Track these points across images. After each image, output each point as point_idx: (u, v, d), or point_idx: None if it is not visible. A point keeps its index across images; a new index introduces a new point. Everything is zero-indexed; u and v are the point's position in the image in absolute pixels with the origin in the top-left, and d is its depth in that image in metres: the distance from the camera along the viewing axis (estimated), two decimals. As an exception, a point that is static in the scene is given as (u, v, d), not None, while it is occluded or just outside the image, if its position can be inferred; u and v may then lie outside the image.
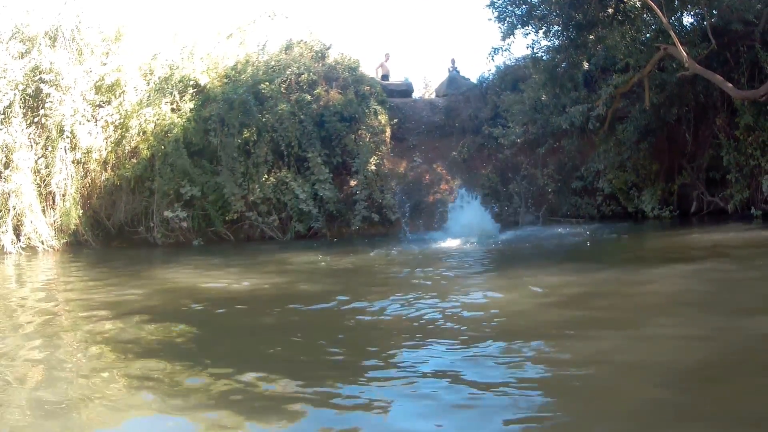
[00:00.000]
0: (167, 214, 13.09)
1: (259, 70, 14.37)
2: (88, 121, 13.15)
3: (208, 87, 13.85)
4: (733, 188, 12.14)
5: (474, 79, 18.01)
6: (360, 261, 9.10)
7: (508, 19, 12.71)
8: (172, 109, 13.53)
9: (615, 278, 6.78)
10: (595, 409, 3.09)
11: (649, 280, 6.49)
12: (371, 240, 12.16)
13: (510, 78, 16.06)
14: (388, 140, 14.81)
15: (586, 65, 14.10)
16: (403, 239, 11.98)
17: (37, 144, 13.00)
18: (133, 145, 13.32)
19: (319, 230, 13.35)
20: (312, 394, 3.39)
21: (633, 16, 11.98)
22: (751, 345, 3.97)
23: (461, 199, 13.53)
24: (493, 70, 16.77)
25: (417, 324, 4.86)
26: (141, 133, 13.29)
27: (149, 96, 13.45)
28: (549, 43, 13.27)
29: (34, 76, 12.98)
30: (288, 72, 14.42)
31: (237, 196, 13.05)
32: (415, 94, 19.73)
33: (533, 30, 12.87)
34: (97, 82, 13.33)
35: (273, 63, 14.79)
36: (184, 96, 13.74)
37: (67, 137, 12.89)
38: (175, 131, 13.12)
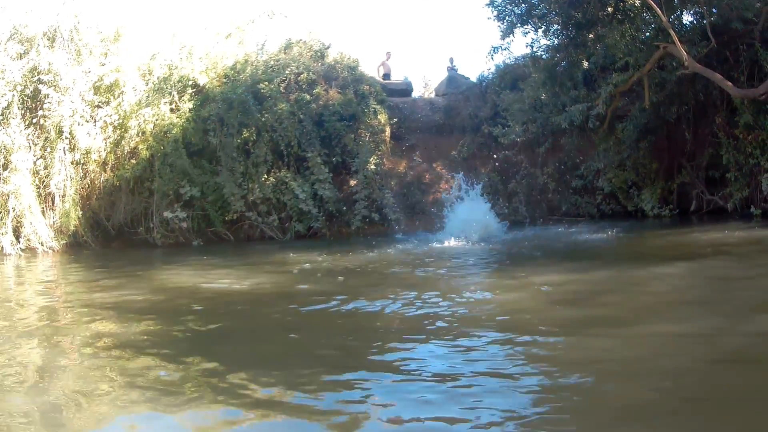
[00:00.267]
0: (167, 214, 13.07)
1: (258, 70, 14.34)
2: (87, 121, 13.12)
3: (207, 87, 13.82)
4: (732, 187, 12.15)
5: (474, 78, 18.01)
6: (360, 260, 9.08)
7: (507, 17, 12.72)
8: (171, 110, 13.50)
9: (616, 277, 6.78)
10: (597, 407, 3.09)
11: (650, 278, 6.50)
12: (371, 239, 12.14)
13: (509, 77, 16.04)
14: (387, 140, 14.80)
15: (585, 64, 14.10)
16: (402, 239, 11.95)
17: (35, 145, 12.97)
18: (132, 145, 13.29)
19: (318, 230, 13.34)
20: (312, 395, 3.38)
21: (632, 14, 11.98)
22: (752, 343, 3.97)
23: (458, 189, 13.36)
24: (493, 69, 16.78)
25: (417, 323, 4.86)
26: (140, 134, 13.26)
27: (148, 96, 13.41)
28: (548, 42, 13.28)
29: (32, 77, 12.94)
30: (287, 71, 14.40)
31: (236, 196, 13.03)
32: (415, 94, 19.74)
33: (533, 29, 12.88)
34: (95, 82, 13.29)
35: (272, 62, 14.77)
36: (183, 96, 13.71)
37: (66, 138, 12.86)
38: (174, 131, 13.09)
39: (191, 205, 13.18)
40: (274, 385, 3.56)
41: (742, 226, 10.52)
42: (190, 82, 13.87)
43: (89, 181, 13.27)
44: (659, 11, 10.46)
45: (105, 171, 13.29)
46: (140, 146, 13.18)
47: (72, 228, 12.83)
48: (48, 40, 13.34)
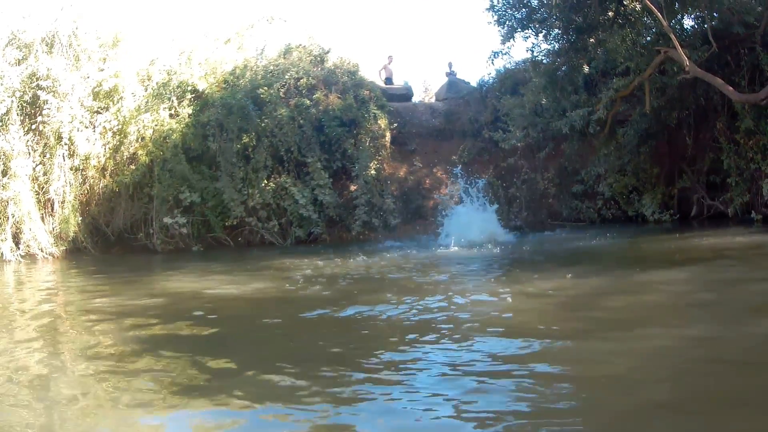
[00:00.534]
0: (166, 220, 13.04)
1: (258, 75, 14.33)
2: (86, 127, 13.10)
3: (206, 92, 13.81)
4: (733, 192, 12.13)
5: (474, 83, 18.02)
6: (360, 265, 9.05)
7: (507, 22, 12.70)
8: (171, 115, 13.48)
9: (617, 281, 6.76)
10: (599, 408, 3.09)
11: (651, 282, 6.51)
12: (372, 244, 12.11)
13: (510, 81, 16.04)
14: (387, 144, 14.78)
15: (586, 69, 14.09)
16: (403, 244, 11.90)
17: (35, 151, 12.94)
18: (131, 151, 13.27)
19: (319, 235, 13.31)
20: (312, 397, 3.37)
21: (633, 19, 11.97)
22: (753, 346, 3.97)
23: (458, 194, 13.29)
24: (493, 73, 16.80)
25: (418, 328, 4.83)
26: (139, 139, 13.24)
27: (147, 102, 13.40)
28: (549, 47, 13.27)
29: (31, 83, 12.91)
30: (287, 76, 14.38)
31: (236, 202, 13.01)
32: (415, 98, 19.76)
33: (533, 33, 12.86)
34: (94, 88, 13.28)
35: (272, 67, 14.75)
36: (182, 101, 13.70)
37: (65, 144, 12.84)
38: (173, 137, 13.07)
39: (191, 210, 13.15)
40: (274, 389, 3.54)
41: (743, 231, 10.52)
42: (190, 88, 13.85)
43: (89, 187, 13.25)
44: (660, 15, 10.45)
45: (104, 177, 13.27)
46: (139, 152, 13.16)
47: (71, 234, 12.79)
48: (46, 45, 13.31)
